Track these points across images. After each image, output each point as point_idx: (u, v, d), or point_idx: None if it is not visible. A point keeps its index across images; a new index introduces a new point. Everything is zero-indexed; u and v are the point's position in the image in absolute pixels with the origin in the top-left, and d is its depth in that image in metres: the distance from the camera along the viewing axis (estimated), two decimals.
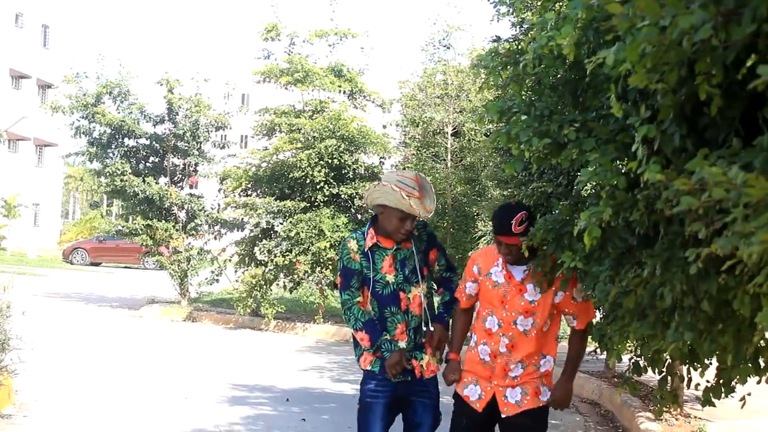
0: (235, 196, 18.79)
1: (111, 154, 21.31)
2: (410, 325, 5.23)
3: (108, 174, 20.78)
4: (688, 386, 5.30)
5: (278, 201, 17.08)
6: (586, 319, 5.06)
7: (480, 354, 5.12)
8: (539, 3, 5.25)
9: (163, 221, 21.02)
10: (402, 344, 5.17)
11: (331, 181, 17.08)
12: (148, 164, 21.93)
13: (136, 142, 21.83)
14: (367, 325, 5.13)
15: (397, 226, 5.09)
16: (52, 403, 9.11)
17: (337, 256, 5.57)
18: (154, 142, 21.76)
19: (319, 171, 16.80)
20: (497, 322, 5.03)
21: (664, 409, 7.85)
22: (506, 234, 4.90)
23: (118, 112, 21.45)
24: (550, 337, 5.09)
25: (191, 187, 22.89)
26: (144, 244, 21.13)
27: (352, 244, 5.22)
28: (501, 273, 5.06)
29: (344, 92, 18.50)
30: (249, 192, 18.49)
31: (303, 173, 16.88)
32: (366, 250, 5.19)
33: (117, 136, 21.37)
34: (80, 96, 21.20)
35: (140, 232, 20.95)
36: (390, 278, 5.18)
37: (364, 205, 6.01)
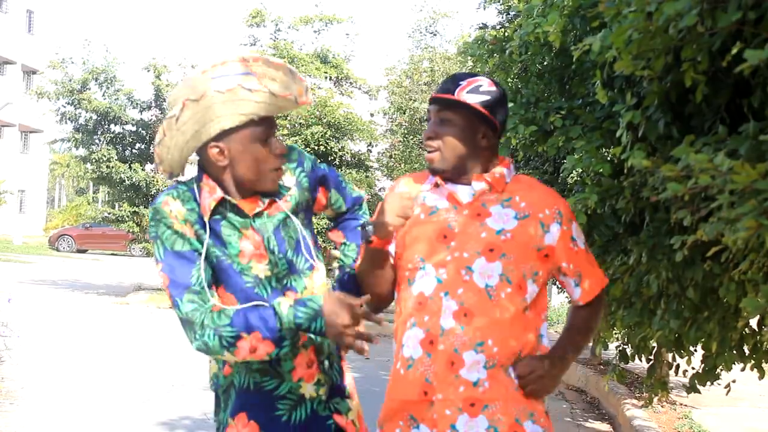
0: None
1: (97, 141, 21.25)
2: (321, 351, 2.93)
3: (94, 160, 20.71)
4: (675, 373, 5.33)
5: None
6: (597, 284, 2.97)
7: (407, 357, 2.92)
8: None
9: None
10: (309, 390, 2.88)
11: None
12: (134, 151, 21.86)
13: (123, 128, 21.78)
14: (244, 317, 2.70)
15: (261, 156, 2.76)
16: (38, 391, 9.09)
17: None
18: (140, 129, 21.70)
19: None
20: (434, 275, 2.82)
21: (653, 396, 7.90)
22: (443, 94, 2.89)
23: (105, 98, 21.39)
24: (536, 319, 2.89)
25: None
26: (130, 230, 21.08)
27: (172, 207, 2.79)
28: (439, 194, 2.93)
29: (330, 78, 18.49)
30: None
31: None
32: (206, 218, 2.79)
33: (103, 123, 21.31)
34: (66, 82, 21.12)
35: (127, 218, 20.90)
36: (260, 270, 2.81)
37: (167, 174, 2.93)
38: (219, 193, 2.79)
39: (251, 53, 3.10)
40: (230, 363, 2.88)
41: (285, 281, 2.86)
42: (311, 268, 2.94)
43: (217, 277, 2.82)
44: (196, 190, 2.84)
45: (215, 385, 2.98)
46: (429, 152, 2.92)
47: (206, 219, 2.79)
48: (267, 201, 2.86)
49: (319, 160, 14.74)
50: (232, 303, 2.81)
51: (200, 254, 2.78)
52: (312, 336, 2.84)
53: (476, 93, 2.87)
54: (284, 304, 2.71)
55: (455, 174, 2.90)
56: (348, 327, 2.72)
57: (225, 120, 2.69)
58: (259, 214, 2.86)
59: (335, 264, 3.27)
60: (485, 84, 2.90)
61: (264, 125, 2.75)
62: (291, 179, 2.97)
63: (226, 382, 2.92)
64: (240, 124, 2.70)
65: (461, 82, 2.90)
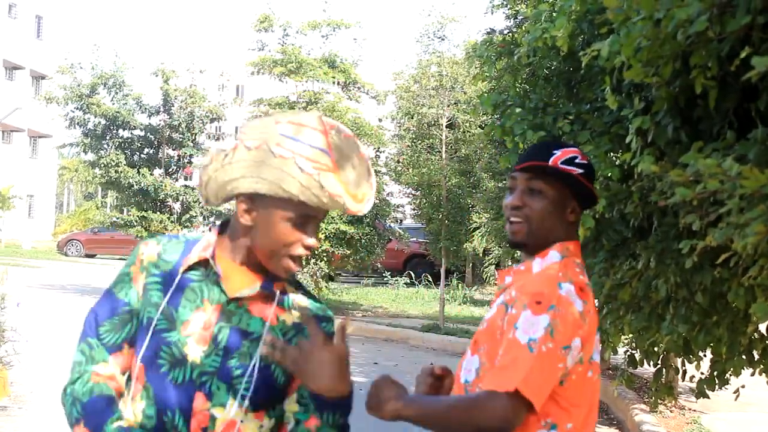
0: None
1: (105, 146, 21.30)
2: None
3: (102, 165, 20.76)
4: (683, 378, 5.31)
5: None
6: (493, 383, 2.44)
7: None
8: None
9: (158, 213, 21.01)
10: None
11: None
12: (142, 155, 21.92)
13: (131, 133, 21.83)
14: (89, 414, 2.45)
15: (286, 237, 2.38)
16: (47, 395, 9.10)
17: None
18: (148, 134, 21.76)
19: None
20: None
21: (659, 401, 7.89)
22: (537, 161, 2.69)
23: (113, 103, 21.44)
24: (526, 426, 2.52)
25: (186, 178, 22.89)
26: (139, 235, 21.09)
27: (147, 250, 2.50)
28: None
29: (338, 83, 18.47)
30: None
31: None
32: (178, 272, 2.45)
33: (112, 127, 21.37)
34: (75, 87, 21.18)
35: (135, 223, 20.94)
36: (194, 353, 2.38)
37: (204, 198, 2.55)
38: (206, 253, 2.43)
39: (328, 120, 2.41)
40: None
41: (206, 382, 2.37)
42: (243, 397, 2.38)
43: (137, 344, 2.42)
44: (193, 245, 2.50)
45: None
46: (513, 223, 2.71)
47: (181, 269, 2.44)
48: (264, 291, 2.44)
49: None
50: (134, 371, 2.42)
51: (132, 311, 2.43)
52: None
53: (571, 164, 2.66)
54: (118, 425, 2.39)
55: (535, 249, 2.69)
56: None
57: (262, 185, 2.32)
58: (238, 301, 2.42)
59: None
60: (579, 156, 2.69)
61: (302, 210, 2.35)
62: (307, 317, 2.42)
63: None
64: (274, 196, 2.33)
65: (555, 152, 2.69)
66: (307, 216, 2.37)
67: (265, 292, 2.44)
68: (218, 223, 2.61)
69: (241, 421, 2.39)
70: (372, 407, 2.67)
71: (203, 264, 2.43)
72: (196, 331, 2.39)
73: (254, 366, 2.40)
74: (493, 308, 2.70)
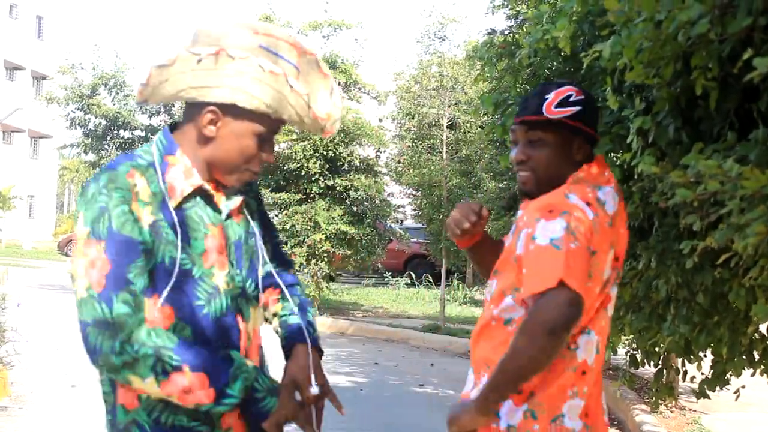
0: None
1: (106, 146, 21.31)
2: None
3: (103, 166, 20.79)
4: (684, 379, 5.32)
5: (273, 193, 17.04)
6: (534, 284, 2.47)
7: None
8: None
9: None
10: None
11: (326, 173, 17.04)
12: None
13: (132, 133, 21.84)
14: (194, 350, 2.26)
15: (249, 153, 2.35)
16: (47, 395, 9.11)
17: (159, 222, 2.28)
18: (149, 134, 21.75)
19: (314, 163, 16.76)
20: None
21: (660, 401, 7.89)
22: (530, 116, 2.72)
23: (114, 104, 21.46)
24: None
25: None
26: None
27: (138, 182, 2.29)
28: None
29: (339, 84, 18.48)
30: None
31: (298, 165, 16.84)
32: (172, 203, 2.33)
33: (112, 128, 21.37)
34: (75, 87, 21.20)
35: None
36: (221, 278, 2.38)
37: (141, 97, 2.40)
38: (197, 179, 2.35)
39: (306, 44, 2.40)
40: (139, 394, 2.31)
41: (239, 303, 2.43)
42: (257, 298, 2.53)
43: (157, 285, 2.28)
44: (158, 167, 2.33)
45: (110, 421, 2.40)
46: (521, 175, 2.75)
47: (172, 205, 2.30)
48: (238, 200, 2.46)
49: (327, 165, 14.22)
50: (168, 323, 2.30)
51: (148, 251, 2.26)
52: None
53: (566, 105, 2.68)
54: (250, 363, 2.37)
55: (546, 192, 2.69)
56: (290, 418, 2.42)
57: (243, 97, 2.25)
58: (227, 216, 2.44)
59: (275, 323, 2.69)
60: (574, 93, 2.71)
61: (273, 126, 2.36)
62: (250, 194, 2.61)
63: (125, 420, 2.34)
64: (253, 110, 2.28)
65: (547, 96, 2.70)
66: (273, 132, 2.38)
67: (242, 197, 2.49)
68: (164, 133, 2.45)
69: (255, 325, 2.53)
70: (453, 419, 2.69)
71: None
72: (215, 258, 2.37)
73: (255, 262, 2.53)
74: (509, 238, 2.76)
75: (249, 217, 2.54)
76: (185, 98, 2.31)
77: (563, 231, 2.47)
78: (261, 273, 2.54)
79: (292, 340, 2.61)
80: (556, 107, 2.68)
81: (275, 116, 2.32)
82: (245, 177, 2.40)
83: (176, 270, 2.29)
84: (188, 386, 2.20)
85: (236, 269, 2.43)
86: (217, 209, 2.40)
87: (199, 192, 2.37)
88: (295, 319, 2.62)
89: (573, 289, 2.40)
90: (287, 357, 2.60)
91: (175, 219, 2.30)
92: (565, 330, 2.41)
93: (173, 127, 2.45)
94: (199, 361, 2.22)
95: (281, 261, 2.74)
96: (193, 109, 2.34)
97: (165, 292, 2.29)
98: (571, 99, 2.69)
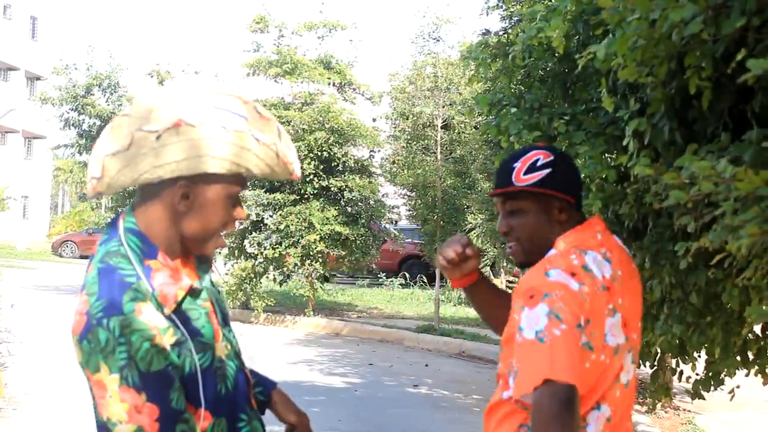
0: None
1: None
2: None
3: None
4: (679, 379, 5.32)
5: (268, 193, 17.03)
6: (527, 382, 2.41)
7: None
8: None
9: None
10: None
11: (321, 173, 17.04)
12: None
13: None
14: None
15: (224, 217, 2.29)
16: (41, 397, 9.10)
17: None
18: None
19: (309, 163, 16.76)
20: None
21: (656, 402, 7.90)
22: (501, 188, 2.72)
23: (108, 104, 21.43)
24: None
25: None
26: None
27: (149, 315, 2.14)
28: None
29: (333, 84, 18.47)
30: None
31: None
32: (167, 311, 2.20)
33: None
34: (70, 87, 21.18)
35: None
36: (222, 351, 2.35)
37: (96, 189, 2.23)
38: (186, 281, 2.25)
39: (243, 96, 2.30)
40: None
41: (240, 364, 2.44)
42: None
43: (189, 395, 2.22)
44: (143, 277, 2.19)
45: None
46: (510, 248, 2.75)
47: (167, 312, 2.19)
48: (208, 274, 2.41)
49: (322, 166, 14.20)
50: (206, 425, 2.26)
51: (176, 367, 2.18)
52: None
53: (534, 170, 2.64)
54: None
55: (536, 259, 2.65)
56: None
57: (214, 163, 2.15)
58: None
59: None
60: (541, 157, 2.66)
61: (244, 184, 2.29)
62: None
63: None
64: (224, 173, 2.18)
65: (515, 165, 2.67)
66: (243, 189, 2.30)
67: (210, 269, 2.44)
68: (117, 223, 2.32)
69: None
70: None
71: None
72: (215, 331, 2.32)
73: (227, 315, 2.47)
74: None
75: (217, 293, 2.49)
76: (148, 180, 2.16)
77: (546, 319, 2.42)
78: None
79: (263, 386, 2.71)
80: (524, 174, 2.64)
81: (246, 174, 2.23)
82: (220, 242, 2.33)
83: (198, 374, 2.23)
84: None
85: (225, 328, 2.40)
86: (204, 292, 2.34)
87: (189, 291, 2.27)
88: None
89: (559, 381, 2.35)
90: (267, 404, 2.70)
91: (178, 323, 2.20)
92: (569, 414, 2.36)
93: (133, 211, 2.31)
94: None
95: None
96: (156, 187, 2.20)
97: (202, 397, 2.25)
98: (539, 163, 2.65)
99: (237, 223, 2.31)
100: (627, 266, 2.70)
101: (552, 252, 2.62)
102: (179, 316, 2.21)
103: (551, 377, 2.35)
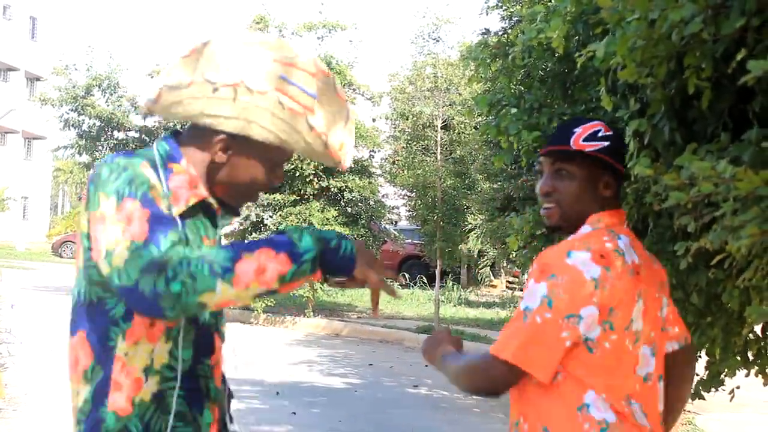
0: None
1: (100, 147, 21.27)
2: (223, 411, 2.47)
3: None
4: None
5: (267, 194, 17.03)
6: (495, 348, 2.59)
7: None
8: None
9: None
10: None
11: (321, 174, 17.04)
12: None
13: (126, 134, 21.78)
14: (237, 245, 2.11)
15: (259, 179, 2.32)
16: (41, 397, 9.09)
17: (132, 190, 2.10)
18: (143, 135, 21.71)
19: (309, 164, 16.75)
20: None
21: None
22: (558, 146, 2.69)
23: (108, 105, 21.42)
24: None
25: None
26: None
27: (151, 176, 2.19)
28: None
29: None
30: None
31: (292, 166, 16.82)
32: (175, 211, 2.24)
33: (106, 129, 21.33)
34: (69, 88, 21.17)
35: None
36: None
37: (147, 109, 2.29)
38: (202, 191, 2.27)
39: (322, 65, 2.30)
40: (133, 400, 2.21)
41: (218, 322, 2.40)
42: (223, 323, 2.47)
43: None
44: (161, 172, 2.24)
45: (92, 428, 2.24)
46: (546, 208, 2.72)
47: (175, 213, 2.21)
48: (231, 220, 2.45)
49: (322, 166, 14.24)
50: (159, 333, 2.23)
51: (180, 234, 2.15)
52: (217, 397, 2.38)
53: (594, 140, 2.65)
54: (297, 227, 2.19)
55: (572, 230, 2.69)
56: (373, 263, 2.27)
57: (260, 132, 2.18)
58: (221, 222, 2.43)
59: None
60: (602, 129, 2.68)
61: (285, 155, 2.32)
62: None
63: (116, 427, 2.22)
64: (265, 142, 2.22)
65: (576, 129, 2.68)
66: (285, 160, 2.35)
67: (234, 218, 2.46)
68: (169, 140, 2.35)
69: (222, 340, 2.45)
70: (423, 350, 2.87)
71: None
72: None
73: None
74: None
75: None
76: (197, 123, 2.24)
77: (539, 301, 2.48)
78: None
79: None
80: (584, 141, 2.65)
81: (288, 148, 2.28)
82: (251, 199, 2.41)
83: None
84: (259, 265, 2.04)
85: None
86: (214, 224, 2.36)
87: (202, 204, 2.29)
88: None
89: (519, 366, 2.48)
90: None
91: (180, 226, 2.20)
92: (493, 391, 2.58)
93: (175, 135, 2.35)
94: (250, 244, 2.09)
95: None
96: (202, 132, 2.26)
97: None
98: (600, 134, 2.66)
99: (265, 186, 2.34)
100: (646, 254, 2.74)
101: (585, 229, 2.65)
102: (181, 222, 2.23)
103: (512, 361, 2.48)
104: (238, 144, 2.24)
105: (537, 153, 4.34)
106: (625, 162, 2.75)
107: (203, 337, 2.31)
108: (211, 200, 2.30)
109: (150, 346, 2.22)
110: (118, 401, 2.22)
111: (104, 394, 2.22)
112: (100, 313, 2.22)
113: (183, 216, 2.24)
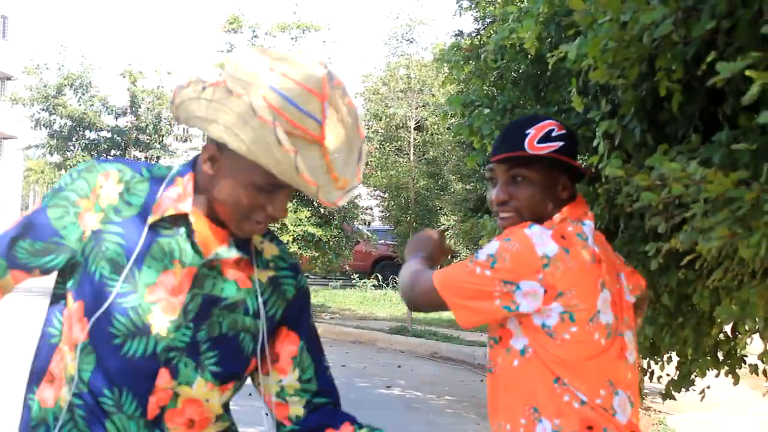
0: None
1: (72, 147, 21.19)
2: None
3: (69, 167, 20.64)
4: (650, 379, 5.34)
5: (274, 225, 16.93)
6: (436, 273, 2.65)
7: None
8: None
9: None
10: None
11: None
12: (109, 157, 21.79)
13: (98, 134, 21.73)
14: None
15: (249, 200, 2.03)
16: (5, 401, 9.02)
17: None
18: (115, 135, 21.66)
19: None
20: None
21: None
22: (512, 152, 2.58)
23: (80, 105, 21.34)
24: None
25: None
26: None
27: (108, 186, 2.07)
28: None
29: None
30: None
31: None
32: (150, 219, 2.07)
33: (78, 129, 21.25)
34: (41, 87, 21.08)
35: None
36: (160, 323, 2.03)
37: (174, 117, 2.08)
38: (186, 207, 2.06)
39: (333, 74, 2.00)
40: (57, 400, 2.12)
41: (173, 358, 2.05)
42: (219, 378, 2.12)
43: (85, 296, 2.04)
44: (165, 183, 2.10)
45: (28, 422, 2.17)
46: (504, 218, 2.61)
47: (149, 220, 2.04)
48: (233, 254, 2.10)
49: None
50: (82, 340, 2.03)
51: (57, 245, 2.05)
52: None
53: (549, 140, 2.54)
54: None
55: None
56: None
57: (234, 141, 1.93)
58: (212, 265, 2.09)
59: (273, 398, 2.28)
60: (555, 128, 2.57)
61: (269, 178, 1.97)
62: (282, 277, 2.23)
63: (38, 416, 2.15)
64: (245, 156, 1.93)
65: (528, 131, 2.55)
66: (277, 185, 2.01)
67: (244, 256, 2.12)
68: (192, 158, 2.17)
69: (206, 400, 2.12)
70: (408, 241, 2.95)
71: (175, 216, 2.06)
72: (164, 298, 2.03)
73: (237, 346, 2.13)
74: None
75: (260, 292, 2.15)
76: (196, 126, 2.05)
77: (485, 257, 2.47)
78: (263, 373, 2.22)
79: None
80: (538, 143, 2.54)
81: (265, 166, 1.93)
82: (248, 227, 2.07)
83: (101, 290, 2.02)
84: None
85: (187, 322, 2.05)
86: (197, 251, 2.07)
87: (185, 222, 2.06)
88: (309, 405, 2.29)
89: (440, 294, 2.55)
90: None
91: (143, 236, 2.04)
92: (407, 303, 2.74)
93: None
94: None
95: (325, 391, 2.33)
96: (208, 141, 2.06)
97: (98, 314, 2.01)
98: (554, 134, 2.56)
99: (270, 217, 2.07)
100: (605, 243, 2.72)
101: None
102: (151, 234, 2.05)
103: (436, 286, 2.55)
104: (225, 155, 2.00)
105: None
106: (578, 158, 2.70)
107: (127, 366, 2.02)
108: (192, 218, 2.06)
109: (69, 353, 2.08)
110: (45, 393, 2.13)
111: (35, 383, 2.16)
112: (53, 302, 2.18)
113: (159, 228, 2.06)
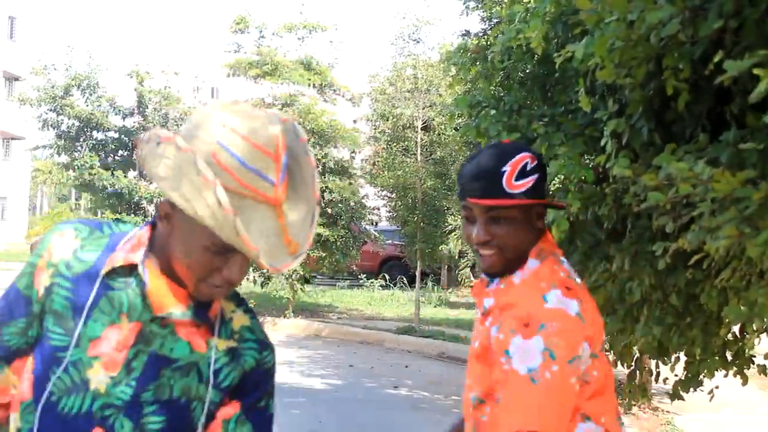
0: None
1: (79, 147, 21.19)
2: None
3: (76, 167, 20.65)
4: (657, 380, 5.34)
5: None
6: (505, 422, 2.34)
7: None
8: None
9: (133, 215, 20.91)
10: None
11: None
12: (117, 157, 21.81)
13: (105, 135, 21.71)
14: None
15: (202, 263, 1.91)
16: None
17: None
18: (123, 135, 21.65)
19: None
20: None
21: (633, 402, 7.93)
22: (492, 194, 2.47)
23: (87, 105, 21.33)
24: None
25: None
26: None
27: (60, 246, 2.04)
28: None
29: (314, 86, 18.42)
30: None
31: None
32: (96, 276, 1.99)
33: (85, 129, 21.25)
34: (48, 88, 21.08)
35: None
36: (99, 379, 1.93)
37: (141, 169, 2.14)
38: (136, 257, 1.97)
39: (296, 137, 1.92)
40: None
41: (110, 416, 1.92)
42: None
43: (35, 355, 1.98)
44: (123, 240, 2.03)
45: None
46: (486, 256, 2.51)
47: (102, 272, 1.97)
48: (196, 320, 1.99)
49: None
50: (26, 399, 1.94)
51: (31, 313, 1.99)
52: None
53: (524, 176, 2.45)
54: None
55: (514, 269, 2.52)
56: None
57: (177, 197, 1.82)
58: (164, 323, 1.97)
59: None
60: (529, 161, 2.46)
61: (215, 239, 1.85)
62: (243, 341, 2.08)
63: None
64: (193, 216, 1.82)
65: (504, 169, 2.44)
66: (228, 249, 1.88)
67: (198, 320, 1.99)
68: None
69: None
70: None
71: (128, 268, 1.97)
72: (106, 353, 1.93)
73: (177, 403, 1.98)
74: (480, 330, 2.56)
75: (214, 360, 2.02)
76: (155, 182, 1.91)
77: (541, 357, 2.30)
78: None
79: None
80: (516, 180, 2.44)
81: (210, 227, 1.82)
82: (206, 290, 1.94)
83: (45, 345, 1.96)
84: None
85: (129, 380, 1.94)
86: (147, 305, 1.96)
87: (137, 274, 1.96)
88: None
89: None
90: None
91: (94, 289, 1.96)
92: None
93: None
94: None
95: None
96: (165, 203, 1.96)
97: (51, 372, 1.94)
98: (528, 168, 2.46)
99: (227, 283, 1.92)
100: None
101: (532, 264, 2.50)
102: (103, 287, 1.97)
103: (538, 430, 2.27)
104: (178, 214, 1.90)
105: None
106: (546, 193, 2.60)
107: (61, 425, 1.92)
108: (141, 269, 1.96)
109: (15, 412, 2.00)
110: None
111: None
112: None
113: (111, 281, 1.97)
